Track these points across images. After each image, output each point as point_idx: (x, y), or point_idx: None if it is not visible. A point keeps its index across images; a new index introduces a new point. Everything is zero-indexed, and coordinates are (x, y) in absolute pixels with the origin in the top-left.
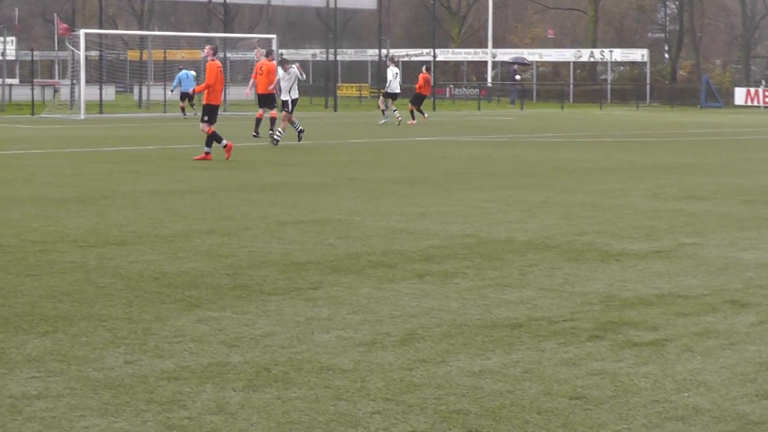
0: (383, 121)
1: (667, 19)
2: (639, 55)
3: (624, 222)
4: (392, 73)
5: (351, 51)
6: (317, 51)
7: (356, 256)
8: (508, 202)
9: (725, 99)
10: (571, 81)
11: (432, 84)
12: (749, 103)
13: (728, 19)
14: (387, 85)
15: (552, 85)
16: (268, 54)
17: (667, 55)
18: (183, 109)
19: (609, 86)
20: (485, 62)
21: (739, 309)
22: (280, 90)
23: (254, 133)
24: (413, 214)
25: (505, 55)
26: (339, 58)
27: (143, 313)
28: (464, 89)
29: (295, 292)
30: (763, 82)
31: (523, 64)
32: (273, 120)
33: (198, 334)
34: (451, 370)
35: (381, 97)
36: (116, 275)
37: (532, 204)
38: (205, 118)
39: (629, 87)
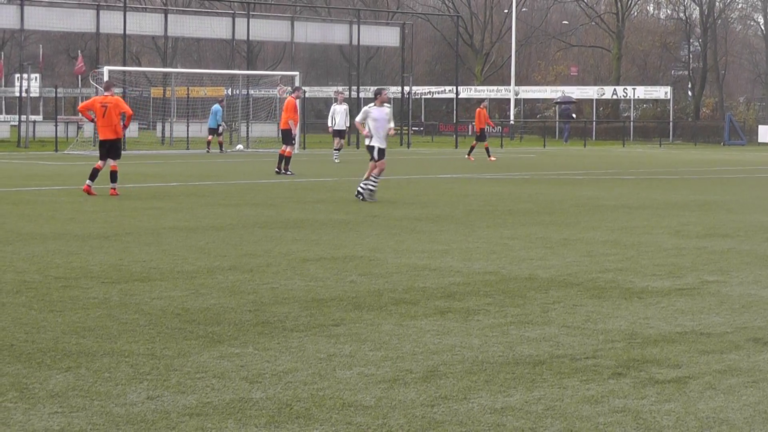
0: (337, 159)
1: (691, 56)
2: (662, 92)
3: (647, 259)
4: (343, 109)
5: (374, 88)
6: (340, 88)
7: (378, 293)
8: (531, 239)
9: (749, 136)
10: (594, 118)
11: (482, 120)
12: None
13: (752, 56)
14: (343, 123)
15: (575, 123)
16: (295, 90)
17: (690, 93)
18: (209, 144)
19: (632, 123)
20: (508, 99)
21: (762, 347)
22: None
23: (276, 170)
24: (435, 251)
25: (528, 92)
26: (362, 95)
27: (165, 349)
28: (487, 126)
29: (317, 328)
30: None
31: (572, 102)
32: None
33: (220, 370)
34: (473, 407)
35: (338, 138)
36: (139, 311)
37: (554, 241)
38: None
39: (652, 124)
